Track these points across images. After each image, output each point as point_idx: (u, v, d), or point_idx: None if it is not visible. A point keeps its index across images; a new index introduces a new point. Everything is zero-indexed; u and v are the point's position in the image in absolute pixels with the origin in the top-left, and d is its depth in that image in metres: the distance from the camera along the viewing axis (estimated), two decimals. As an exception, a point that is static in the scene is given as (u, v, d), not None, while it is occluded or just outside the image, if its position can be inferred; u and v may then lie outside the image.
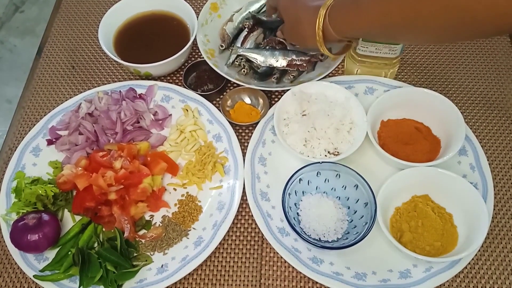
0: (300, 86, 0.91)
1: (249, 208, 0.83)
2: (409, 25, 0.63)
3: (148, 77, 1.00)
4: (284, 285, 0.79)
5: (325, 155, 0.85)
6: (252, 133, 0.91)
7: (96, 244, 0.81)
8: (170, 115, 0.95)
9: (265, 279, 0.80)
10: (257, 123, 0.92)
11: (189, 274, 0.79)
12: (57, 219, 0.81)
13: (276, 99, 0.97)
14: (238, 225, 0.85)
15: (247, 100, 0.97)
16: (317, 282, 0.78)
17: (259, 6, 1.03)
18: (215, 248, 0.80)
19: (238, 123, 0.93)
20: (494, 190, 0.84)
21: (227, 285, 0.79)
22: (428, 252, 0.76)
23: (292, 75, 0.95)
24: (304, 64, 0.94)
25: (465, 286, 0.78)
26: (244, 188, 0.85)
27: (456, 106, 0.85)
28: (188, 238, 0.82)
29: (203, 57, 0.96)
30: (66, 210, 0.85)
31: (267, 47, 0.97)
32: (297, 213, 0.82)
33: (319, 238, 0.79)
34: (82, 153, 0.88)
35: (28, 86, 1.04)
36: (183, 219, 0.84)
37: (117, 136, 0.90)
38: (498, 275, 0.79)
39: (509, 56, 1.04)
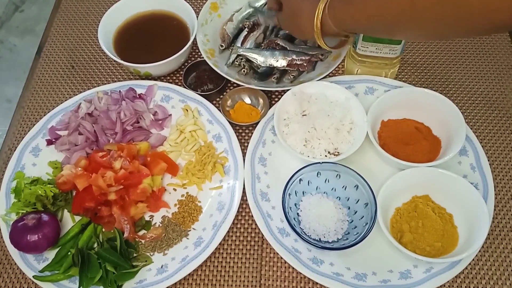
0: (300, 86, 0.90)
1: (249, 208, 0.83)
2: (405, 18, 0.64)
3: (148, 77, 1.00)
4: (284, 286, 0.79)
5: (325, 155, 0.85)
6: (252, 133, 0.91)
7: (95, 245, 0.80)
8: (170, 115, 0.95)
9: (265, 279, 0.80)
10: (257, 123, 0.91)
11: (189, 274, 0.79)
12: (56, 219, 0.81)
13: (276, 99, 0.97)
14: (238, 226, 0.85)
15: (247, 100, 0.97)
16: (317, 283, 0.78)
17: (260, 5, 1.03)
18: (215, 249, 0.80)
19: (238, 123, 0.93)
20: (495, 190, 0.84)
21: (227, 285, 0.79)
22: (429, 253, 0.76)
23: (292, 75, 0.95)
24: (304, 64, 0.93)
25: (465, 286, 0.78)
26: (244, 188, 0.85)
27: (457, 106, 0.85)
28: (188, 238, 0.82)
29: (203, 57, 0.96)
30: (65, 211, 0.85)
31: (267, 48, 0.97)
32: (297, 214, 0.82)
33: (319, 239, 0.79)
34: (82, 153, 0.88)
35: (28, 86, 1.04)
36: (183, 220, 0.83)
37: (116, 136, 0.90)
38: (499, 276, 0.79)
39: (509, 56, 1.04)
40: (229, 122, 0.92)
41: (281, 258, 0.79)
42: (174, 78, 1.03)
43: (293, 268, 0.79)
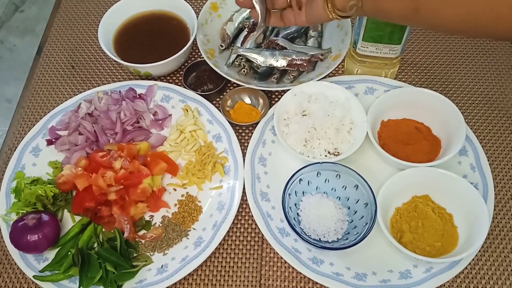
0: (300, 86, 0.91)
1: (249, 208, 0.83)
2: None
3: (148, 77, 1.00)
4: (284, 286, 0.79)
5: (325, 155, 0.85)
6: (252, 133, 0.91)
7: (96, 245, 0.81)
8: (170, 115, 0.95)
9: (265, 279, 0.80)
10: (257, 123, 0.91)
11: (189, 274, 0.79)
12: (56, 219, 0.81)
13: (276, 99, 0.97)
14: (238, 226, 0.85)
15: (247, 100, 0.97)
16: (317, 283, 0.78)
17: None
18: (215, 249, 0.80)
19: (238, 123, 0.93)
20: (495, 190, 0.84)
21: (227, 285, 0.79)
22: (428, 253, 0.76)
23: (292, 75, 0.95)
24: (304, 64, 0.93)
25: (465, 286, 0.78)
26: (244, 188, 0.85)
27: (456, 106, 0.85)
28: (188, 238, 0.82)
29: (203, 57, 0.96)
30: (65, 211, 0.85)
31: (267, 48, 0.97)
32: (297, 214, 0.82)
33: (319, 239, 0.79)
34: (82, 153, 0.88)
35: (28, 86, 1.04)
36: (183, 220, 0.83)
37: (117, 136, 0.90)
38: (499, 276, 0.79)
39: (509, 56, 1.04)
40: (229, 122, 0.92)
41: (281, 258, 0.80)
42: (174, 78, 1.03)
43: (293, 268, 0.79)
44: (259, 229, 0.81)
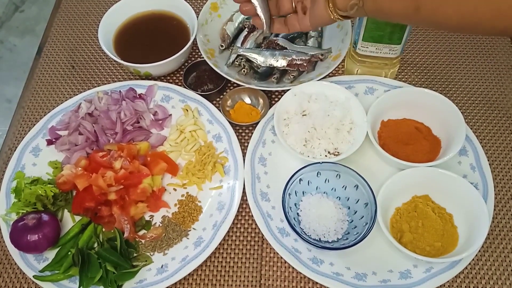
0: (300, 86, 0.91)
1: (249, 208, 0.83)
2: None
3: (148, 77, 1.00)
4: (284, 286, 0.79)
5: (325, 155, 0.85)
6: (252, 133, 0.91)
7: (96, 245, 0.81)
8: (170, 115, 0.95)
9: (265, 279, 0.80)
10: (257, 123, 0.91)
11: (189, 274, 0.79)
12: (56, 219, 0.81)
13: (276, 99, 0.97)
14: (238, 226, 0.85)
15: (247, 100, 0.97)
16: (317, 283, 0.78)
17: None
18: (215, 249, 0.80)
19: (238, 123, 0.93)
20: (495, 190, 0.84)
21: (227, 285, 0.79)
22: (428, 253, 0.76)
23: (292, 75, 0.95)
24: (304, 64, 0.93)
25: (465, 286, 0.78)
26: (244, 188, 0.85)
27: (456, 106, 0.85)
28: (188, 238, 0.82)
29: (203, 57, 0.96)
30: (66, 210, 0.85)
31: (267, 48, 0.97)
32: (297, 214, 0.82)
33: (319, 239, 0.79)
34: (82, 153, 0.88)
35: (28, 86, 1.04)
36: (183, 219, 0.84)
37: (117, 136, 0.90)
38: (499, 276, 0.79)
39: (509, 56, 1.04)
40: (229, 122, 0.92)
41: (281, 258, 0.80)
42: (174, 78, 1.03)
43: (293, 268, 0.79)
44: (259, 229, 0.81)
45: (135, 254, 0.81)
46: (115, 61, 0.99)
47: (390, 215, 0.82)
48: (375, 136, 0.87)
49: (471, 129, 0.91)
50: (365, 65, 0.95)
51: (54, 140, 0.91)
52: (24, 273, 0.80)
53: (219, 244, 0.81)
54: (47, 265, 0.79)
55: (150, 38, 1.04)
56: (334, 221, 0.79)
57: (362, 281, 0.76)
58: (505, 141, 0.93)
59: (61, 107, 0.95)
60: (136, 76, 1.03)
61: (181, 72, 1.01)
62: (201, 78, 0.99)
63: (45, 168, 0.89)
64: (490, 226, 0.82)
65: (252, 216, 0.82)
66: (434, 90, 0.88)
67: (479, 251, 0.80)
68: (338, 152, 0.85)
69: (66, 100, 0.97)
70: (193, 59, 1.05)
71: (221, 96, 0.98)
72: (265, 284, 0.79)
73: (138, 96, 0.96)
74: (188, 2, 1.02)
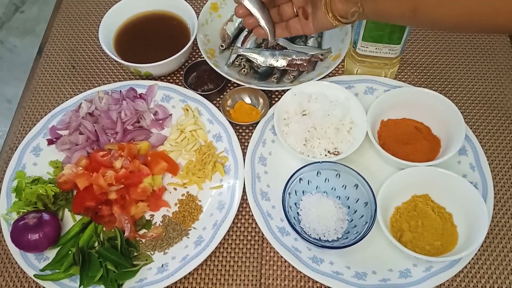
0: (300, 86, 0.91)
1: (249, 207, 0.83)
2: None
3: (148, 77, 1.00)
4: (284, 285, 0.79)
5: (325, 155, 0.85)
6: (252, 133, 0.91)
7: (96, 244, 0.81)
8: (171, 114, 0.95)
9: (265, 278, 0.80)
10: (257, 123, 0.92)
11: (189, 273, 0.79)
12: (57, 218, 0.82)
13: (276, 99, 0.97)
14: (239, 225, 0.85)
15: (247, 100, 0.97)
16: (317, 282, 0.78)
17: None
18: (215, 248, 0.80)
19: (238, 123, 0.93)
20: (494, 189, 0.84)
21: (227, 284, 0.79)
22: (428, 252, 0.77)
23: (292, 75, 0.95)
24: (304, 64, 0.94)
25: (465, 285, 0.79)
26: (244, 187, 0.85)
27: (456, 106, 0.85)
28: (188, 237, 0.82)
29: (203, 57, 0.96)
30: (66, 210, 0.85)
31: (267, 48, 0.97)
32: (297, 213, 0.82)
33: (319, 238, 0.79)
34: (83, 153, 0.88)
35: (29, 86, 1.04)
36: (184, 219, 0.84)
37: (117, 136, 0.90)
38: (498, 275, 0.79)
39: (509, 56, 1.04)
40: (229, 122, 0.92)
41: (281, 257, 0.80)
42: (175, 78, 1.03)
43: (293, 267, 0.79)
44: (259, 228, 0.82)
45: (135, 253, 0.81)
46: (115, 61, 0.99)
47: (390, 214, 0.82)
48: (375, 136, 0.87)
49: (471, 128, 0.91)
50: (365, 65, 0.95)
51: (54, 139, 0.91)
52: (24, 272, 0.80)
53: (219, 243, 0.81)
54: (47, 264, 0.79)
55: (151, 38, 1.04)
56: (334, 220, 0.79)
57: (362, 280, 0.76)
58: (504, 140, 0.93)
59: (61, 107, 0.95)
60: (137, 76, 1.03)
61: (182, 72, 1.02)
62: (201, 78, 0.99)
63: (45, 167, 0.89)
64: (490, 225, 0.82)
65: (252, 215, 0.82)
66: (434, 90, 0.88)
67: (479, 250, 0.81)
68: (338, 152, 0.85)
69: (66, 100, 0.97)
70: (193, 59, 1.05)
71: (221, 96, 0.98)
72: (265, 283, 0.79)
73: (138, 96, 0.96)
74: (188, 2, 1.02)
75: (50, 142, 0.91)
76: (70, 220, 0.84)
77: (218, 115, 0.93)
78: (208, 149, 0.90)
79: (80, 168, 0.84)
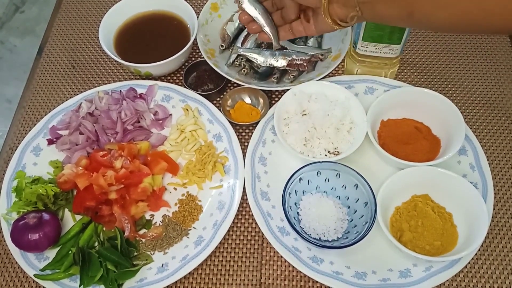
0: (300, 86, 0.91)
1: (249, 207, 0.83)
2: None
3: (148, 77, 1.00)
4: (284, 285, 0.79)
5: (325, 155, 0.85)
6: (252, 133, 0.91)
7: (96, 244, 0.81)
8: (171, 114, 0.95)
9: (265, 278, 0.80)
10: (257, 123, 0.92)
11: (189, 273, 0.79)
12: (57, 218, 0.82)
13: (276, 99, 0.97)
14: (239, 225, 0.85)
15: (247, 100, 0.97)
16: (317, 282, 0.78)
17: None
18: (215, 248, 0.80)
19: (238, 122, 0.93)
20: (494, 189, 0.84)
21: (227, 284, 0.79)
22: (428, 252, 0.77)
23: (292, 75, 0.95)
24: (304, 64, 0.94)
25: (465, 285, 0.79)
26: (244, 187, 0.85)
27: (456, 106, 0.85)
28: (188, 237, 0.82)
29: (203, 57, 0.96)
30: (66, 210, 0.85)
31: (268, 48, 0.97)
32: (297, 213, 0.82)
33: (319, 238, 0.79)
34: (83, 153, 0.88)
35: (29, 86, 1.04)
36: (184, 219, 0.84)
37: (117, 136, 0.90)
38: (498, 275, 0.79)
39: (509, 56, 1.04)
40: (229, 122, 0.92)
41: (281, 257, 0.80)
42: (175, 78, 1.03)
43: (293, 267, 0.79)
44: (259, 228, 0.82)
45: (135, 253, 0.81)
46: (115, 61, 0.99)
47: (390, 214, 0.82)
48: (375, 136, 0.87)
49: (471, 128, 0.91)
50: (365, 65, 0.96)
51: (54, 139, 0.91)
52: (24, 272, 0.80)
53: (219, 243, 0.81)
54: (47, 264, 0.79)
55: (151, 38, 1.04)
56: (334, 220, 0.79)
57: (362, 280, 0.76)
58: (504, 140, 0.93)
59: (61, 107, 0.95)
60: (137, 76, 1.03)
61: (182, 72, 1.02)
62: (202, 78, 0.99)
63: (45, 167, 0.89)
64: (490, 225, 0.82)
65: (252, 215, 0.82)
66: (434, 90, 0.88)
67: (479, 250, 0.81)
68: (338, 152, 0.85)
69: (66, 100, 0.97)
70: (193, 59, 1.05)
71: (221, 96, 0.98)
72: (265, 283, 0.79)
73: (138, 96, 0.96)
74: (188, 2, 1.02)
75: (50, 142, 0.91)
76: (70, 220, 0.84)
77: (218, 115, 0.93)
78: (208, 149, 0.90)
79: (80, 168, 0.84)
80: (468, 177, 0.84)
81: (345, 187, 0.82)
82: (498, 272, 0.79)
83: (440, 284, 0.76)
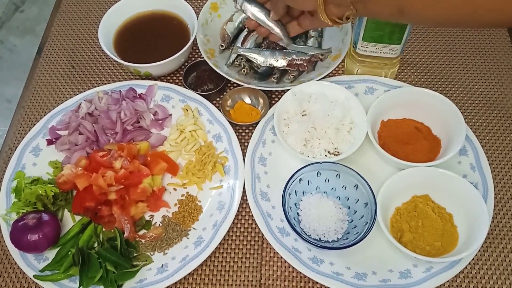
0: (300, 86, 0.91)
1: (249, 208, 0.83)
2: None
3: (148, 77, 1.00)
4: (284, 285, 0.79)
5: (325, 155, 0.85)
6: (252, 133, 0.91)
7: (96, 244, 0.81)
8: (170, 115, 0.95)
9: (265, 279, 0.80)
10: (257, 123, 0.92)
11: (189, 274, 0.79)
12: (57, 219, 0.81)
13: (276, 99, 0.97)
14: (238, 225, 0.85)
15: (247, 100, 0.97)
16: (317, 282, 0.78)
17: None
18: (215, 248, 0.80)
19: (238, 123, 0.93)
20: (495, 190, 0.84)
21: (227, 285, 0.79)
22: (428, 252, 0.76)
23: (292, 75, 0.95)
24: (305, 64, 0.94)
25: (465, 286, 0.78)
26: (244, 188, 0.85)
27: (456, 106, 0.85)
28: (188, 238, 0.82)
29: (203, 57, 0.96)
30: (66, 210, 0.85)
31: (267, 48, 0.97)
32: (297, 213, 0.82)
33: (319, 238, 0.79)
34: (82, 153, 0.88)
35: (28, 86, 1.04)
36: (183, 219, 0.84)
37: (117, 136, 0.90)
38: (499, 275, 0.79)
39: (509, 56, 1.04)
40: (229, 122, 0.92)
41: (281, 257, 0.80)
42: (174, 78, 1.03)
43: (293, 267, 0.79)
44: (259, 228, 0.82)
45: (135, 254, 0.81)
46: (115, 61, 0.99)
47: (390, 214, 0.82)
48: (375, 136, 0.87)
49: (471, 129, 0.91)
50: (365, 65, 0.95)
51: (54, 140, 0.91)
52: (24, 273, 0.80)
53: (219, 243, 0.81)
54: (47, 264, 0.79)
55: (150, 38, 1.04)
56: (334, 220, 0.79)
57: (362, 281, 0.76)
58: (505, 141, 0.93)
59: (61, 107, 0.95)
60: (136, 76, 1.03)
61: (181, 72, 1.01)
62: (201, 78, 0.99)
63: (45, 168, 0.89)
64: (490, 225, 0.82)
65: (252, 216, 0.82)
66: (434, 90, 0.88)
67: (479, 250, 0.81)
68: (338, 152, 0.85)
69: (66, 100, 0.97)
70: (193, 59, 1.05)
71: (221, 96, 0.98)
72: (265, 283, 0.79)
73: (138, 96, 0.96)
74: (188, 2, 1.02)
75: (50, 142, 0.91)
76: (69, 221, 0.84)
77: (218, 115, 0.93)
78: (208, 150, 0.89)
79: (80, 168, 0.84)
80: (468, 178, 0.84)
81: (345, 187, 0.82)
82: (498, 273, 0.79)
83: (440, 285, 0.76)
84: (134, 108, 0.93)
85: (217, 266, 0.81)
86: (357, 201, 0.80)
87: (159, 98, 0.97)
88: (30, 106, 1.01)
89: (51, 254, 0.80)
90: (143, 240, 0.82)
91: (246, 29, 1.01)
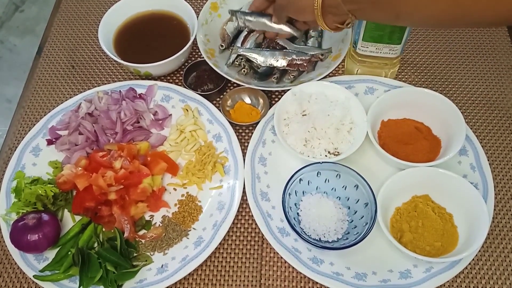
0: (300, 86, 0.91)
1: (249, 208, 0.83)
2: None
3: (148, 77, 1.00)
4: (284, 285, 0.79)
5: (325, 155, 0.85)
6: (252, 133, 0.91)
7: (96, 244, 0.81)
8: (170, 115, 0.95)
9: (265, 279, 0.80)
10: (257, 123, 0.92)
11: (189, 274, 0.79)
12: (57, 219, 0.81)
13: (276, 99, 0.97)
14: (238, 225, 0.85)
15: (247, 100, 0.97)
16: (317, 282, 0.78)
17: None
18: (215, 248, 0.80)
19: (238, 123, 0.93)
20: (495, 190, 0.84)
21: (227, 285, 0.79)
22: (429, 253, 0.76)
23: (292, 75, 0.95)
24: (305, 64, 0.94)
25: (465, 286, 0.78)
26: (244, 188, 0.85)
27: (456, 106, 0.85)
28: (188, 238, 0.82)
29: (203, 57, 0.96)
30: (66, 210, 0.85)
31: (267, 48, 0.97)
32: (297, 213, 0.82)
33: (319, 238, 0.79)
34: (82, 153, 0.88)
35: (28, 86, 1.04)
36: (183, 219, 0.84)
37: (117, 136, 0.90)
38: (499, 276, 0.79)
39: (509, 56, 1.04)
40: (229, 122, 0.92)
41: (281, 257, 0.80)
42: (174, 78, 1.03)
43: (293, 267, 0.79)
44: (259, 228, 0.82)
45: (135, 254, 0.81)
46: (115, 61, 0.99)
47: (390, 215, 0.82)
48: (375, 136, 0.87)
49: (471, 129, 0.91)
50: (365, 65, 0.95)
51: (54, 140, 0.91)
52: (24, 273, 0.80)
53: (219, 244, 0.81)
54: (47, 265, 0.79)
55: (150, 38, 1.04)
56: (334, 221, 0.79)
57: (362, 281, 0.76)
58: (505, 141, 0.93)
59: (61, 107, 0.95)
60: (136, 76, 1.03)
61: (181, 72, 1.01)
62: (201, 78, 0.99)
63: (45, 168, 0.89)
64: (490, 226, 0.82)
65: (252, 216, 0.82)
66: (434, 90, 0.88)
67: (479, 251, 0.80)
68: (338, 152, 0.85)
69: (66, 100, 0.97)
70: (193, 59, 1.05)
71: (221, 96, 0.98)
72: (265, 284, 0.79)
73: (138, 96, 0.96)
74: (188, 2, 1.02)
75: (50, 142, 0.91)
76: (69, 221, 0.84)
77: (218, 115, 0.93)
78: (208, 150, 0.89)
79: (80, 168, 0.84)
80: (468, 178, 0.84)
81: (345, 187, 0.82)
82: (498, 273, 0.79)
83: (440, 285, 0.76)
84: (134, 108, 0.93)
85: (217, 266, 0.81)
86: (357, 201, 0.80)
87: (159, 98, 0.96)
88: (30, 106, 1.01)
89: (51, 254, 0.80)
90: (143, 240, 0.82)
91: (246, 29, 1.01)
